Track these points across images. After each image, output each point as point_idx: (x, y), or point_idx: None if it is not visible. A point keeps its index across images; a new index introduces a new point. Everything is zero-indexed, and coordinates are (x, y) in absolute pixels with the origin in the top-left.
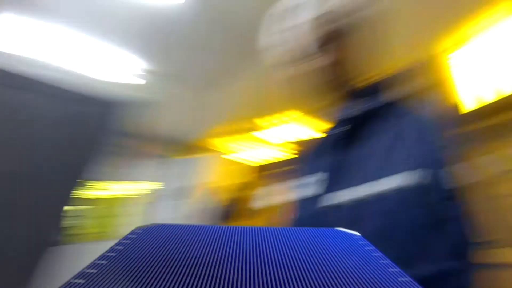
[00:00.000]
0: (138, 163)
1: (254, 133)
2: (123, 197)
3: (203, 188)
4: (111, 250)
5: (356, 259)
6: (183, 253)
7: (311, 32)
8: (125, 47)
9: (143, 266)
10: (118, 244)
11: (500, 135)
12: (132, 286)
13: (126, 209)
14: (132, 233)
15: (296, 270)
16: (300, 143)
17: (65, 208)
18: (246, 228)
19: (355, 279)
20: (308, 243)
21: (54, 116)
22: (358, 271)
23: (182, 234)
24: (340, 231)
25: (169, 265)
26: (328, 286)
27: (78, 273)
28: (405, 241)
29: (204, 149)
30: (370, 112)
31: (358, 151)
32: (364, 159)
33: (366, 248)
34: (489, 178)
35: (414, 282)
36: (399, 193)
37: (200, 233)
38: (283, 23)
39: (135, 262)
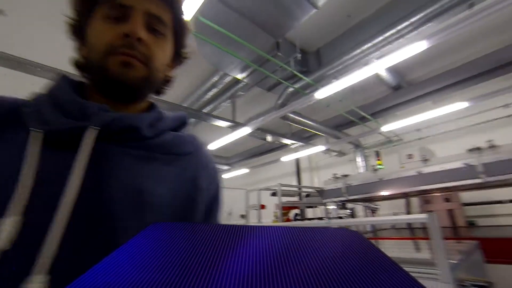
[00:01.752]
0: None
1: None
2: None
3: None
4: (129, 243)
5: (359, 256)
6: (195, 249)
7: None
8: None
9: (162, 260)
10: (136, 238)
11: None
12: (150, 276)
13: None
14: (147, 229)
15: (302, 266)
16: None
17: None
18: (254, 227)
19: (358, 275)
20: (314, 240)
21: None
22: (360, 267)
23: (194, 232)
24: (344, 229)
25: (183, 260)
26: (333, 281)
27: (99, 262)
28: None
29: None
30: None
31: None
32: None
33: (368, 246)
34: None
35: (413, 278)
36: None
37: (212, 231)
38: None
39: (154, 256)
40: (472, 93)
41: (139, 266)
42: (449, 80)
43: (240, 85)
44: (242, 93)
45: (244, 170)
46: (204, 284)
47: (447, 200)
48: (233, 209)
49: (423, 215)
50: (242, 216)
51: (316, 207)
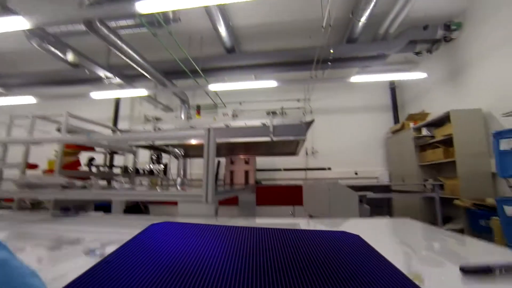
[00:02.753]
0: None
1: None
2: None
3: None
4: (131, 241)
5: (357, 257)
6: (193, 250)
7: None
8: None
9: (159, 259)
10: (137, 237)
11: None
12: (150, 275)
13: None
14: (148, 229)
15: (301, 267)
16: None
17: None
18: (254, 228)
19: (357, 276)
20: (314, 242)
21: None
22: (359, 268)
23: (192, 232)
24: (344, 232)
25: (181, 260)
26: (332, 281)
27: (101, 261)
28: None
29: None
30: None
31: None
32: None
33: (366, 248)
34: None
35: (409, 278)
36: None
37: (209, 232)
38: None
39: (152, 255)
40: (282, 78)
41: (138, 265)
42: (269, 59)
43: None
44: None
45: (29, 99)
46: (202, 283)
47: (246, 163)
48: None
49: (201, 131)
50: None
51: (123, 154)
